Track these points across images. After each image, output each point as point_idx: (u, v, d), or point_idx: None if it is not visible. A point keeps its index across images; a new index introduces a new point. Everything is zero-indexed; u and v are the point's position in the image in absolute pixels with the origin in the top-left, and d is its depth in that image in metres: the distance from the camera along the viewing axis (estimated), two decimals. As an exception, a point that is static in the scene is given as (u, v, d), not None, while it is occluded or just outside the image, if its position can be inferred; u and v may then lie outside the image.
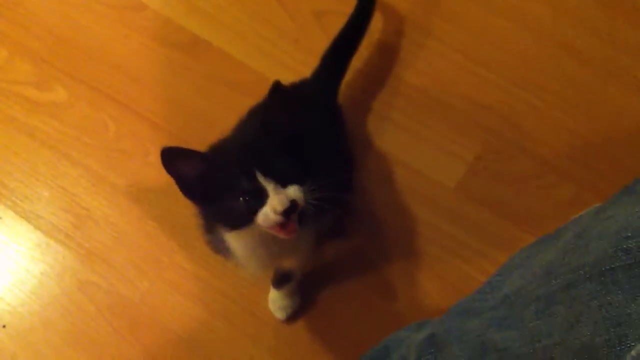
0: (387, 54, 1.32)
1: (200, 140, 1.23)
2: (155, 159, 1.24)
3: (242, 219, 0.84)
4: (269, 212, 0.81)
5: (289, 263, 1.07)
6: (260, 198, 0.82)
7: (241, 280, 1.18)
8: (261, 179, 0.81)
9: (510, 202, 1.22)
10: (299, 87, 1.18)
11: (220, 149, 0.88)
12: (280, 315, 1.14)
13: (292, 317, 1.15)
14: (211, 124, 1.27)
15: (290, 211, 0.81)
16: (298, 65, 1.31)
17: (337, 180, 1.11)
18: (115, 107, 1.29)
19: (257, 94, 1.27)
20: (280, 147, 0.84)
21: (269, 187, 0.81)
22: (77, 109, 1.30)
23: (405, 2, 1.35)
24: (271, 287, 1.14)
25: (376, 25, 1.33)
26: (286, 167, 0.83)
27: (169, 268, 1.19)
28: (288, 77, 1.28)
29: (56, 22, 1.36)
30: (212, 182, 0.84)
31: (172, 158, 0.81)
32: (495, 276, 0.83)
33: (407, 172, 1.24)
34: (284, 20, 1.35)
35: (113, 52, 1.34)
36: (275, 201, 0.81)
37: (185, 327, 1.15)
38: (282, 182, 0.82)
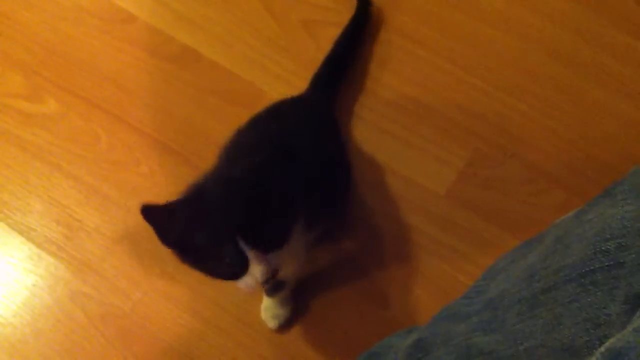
0: (377, 63, 1.33)
1: (191, 149, 1.25)
2: (147, 169, 1.26)
3: (224, 277, 0.85)
4: (250, 281, 0.83)
5: (283, 272, 1.07)
6: (242, 262, 0.82)
7: (233, 289, 1.18)
8: (242, 245, 0.81)
9: (500, 208, 1.22)
10: (296, 102, 1.18)
11: (199, 202, 0.86)
12: (272, 324, 1.14)
13: (284, 326, 1.15)
14: (202, 133, 1.27)
15: (271, 278, 0.83)
16: (287, 74, 1.31)
17: (334, 192, 1.12)
18: (106, 119, 1.30)
19: (247, 103, 1.28)
20: (261, 211, 0.83)
21: (250, 254, 0.81)
22: (68, 120, 1.30)
23: (395, 11, 1.36)
24: (264, 295, 1.14)
25: (365, 34, 1.33)
26: (268, 233, 0.82)
27: (161, 278, 1.19)
28: (277, 86, 1.29)
29: (47, 34, 1.37)
30: (192, 239, 0.83)
31: (152, 215, 0.82)
32: (480, 281, 0.83)
33: (397, 179, 1.24)
34: (273, 29, 1.35)
35: (103, 64, 1.34)
36: (257, 272, 0.82)
37: (177, 336, 1.15)
38: (264, 248, 0.82)
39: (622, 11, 1.35)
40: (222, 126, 1.26)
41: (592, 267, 0.61)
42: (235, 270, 0.83)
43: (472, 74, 1.31)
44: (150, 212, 0.81)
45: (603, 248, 0.61)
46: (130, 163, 1.27)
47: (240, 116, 1.10)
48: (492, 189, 1.23)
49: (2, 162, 1.27)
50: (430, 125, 1.28)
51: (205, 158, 0.95)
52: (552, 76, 1.31)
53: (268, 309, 1.15)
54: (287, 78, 1.31)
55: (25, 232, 1.22)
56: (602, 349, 0.51)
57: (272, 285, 1.11)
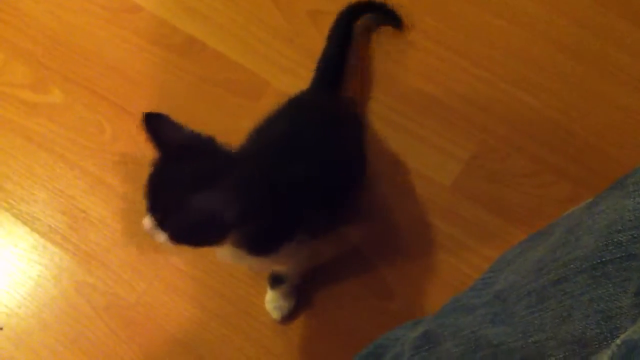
0: (382, 54, 1.32)
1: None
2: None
3: None
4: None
5: (280, 268, 1.08)
6: None
7: (237, 280, 1.18)
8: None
9: (506, 200, 1.22)
10: (310, 98, 1.16)
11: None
12: (275, 315, 1.14)
13: (287, 318, 1.15)
14: (206, 124, 1.24)
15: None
16: (293, 65, 1.31)
17: (346, 192, 1.10)
18: (111, 109, 1.29)
19: (252, 95, 1.28)
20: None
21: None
22: (73, 111, 1.30)
23: (399, 1, 1.35)
24: (268, 287, 1.14)
25: (370, 25, 1.33)
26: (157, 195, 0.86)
27: (166, 269, 1.19)
28: (283, 77, 1.29)
29: (52, 24, 1.36)
30: None
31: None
32: (488, 272, 0.83)
33: (403, 170, 1.24)
34: (278, 20, 1.35)
35: (108, 54, 1.34)
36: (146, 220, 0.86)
37: (181, 327, 1.15)
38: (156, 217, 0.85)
39: (630, 3, 1.34)
40: (226, 117, 1.26)
41: (603, 259, 0.61)
42: None
43: (477, 65, 1.30)
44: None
45: (615, 240, 0.60)
46: (134, 154, 1.26)
47: (244, 107, 1.10)
48: (498, 181, 1.23)
49: (7, 152, 1.27)
50: (436, 116, 1.27)
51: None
52: (558, 68, 1.30)
53: (272, 301, 1.15)
54: (292, 69, 1.30)
55: (30, 222, 1.22)
56: (618, 341, 0.51)
57: (272, 279, 1.11)
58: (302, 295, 1.16)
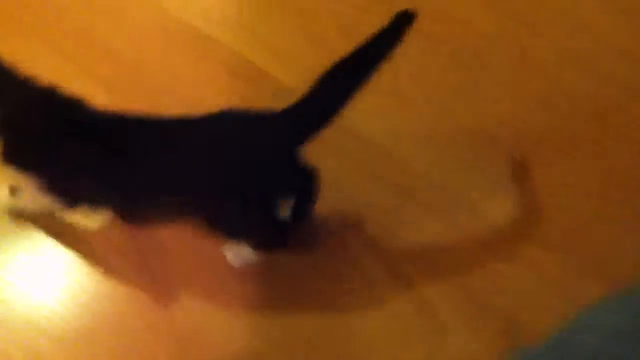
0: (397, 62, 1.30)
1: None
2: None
3: None
4: None
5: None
6: None
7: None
8: None
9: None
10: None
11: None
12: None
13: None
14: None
15: None
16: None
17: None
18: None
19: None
20: None
21: None
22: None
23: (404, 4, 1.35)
24: None
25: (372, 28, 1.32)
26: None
27: (221, 295, 1.19)
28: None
29: (131, 54, 1.41)
30: None
31: None
32: (562, 331, 0.81)
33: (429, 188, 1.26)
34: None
35: (181, 82, 1.38)
36: None
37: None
38: None
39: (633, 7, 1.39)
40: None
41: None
42: None
43: (485, 70, 1.33)
44: None
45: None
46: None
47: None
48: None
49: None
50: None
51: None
52: (563, 77, 1.33)
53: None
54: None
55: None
56: None
57: None
58: (330, 307, 1.16)
